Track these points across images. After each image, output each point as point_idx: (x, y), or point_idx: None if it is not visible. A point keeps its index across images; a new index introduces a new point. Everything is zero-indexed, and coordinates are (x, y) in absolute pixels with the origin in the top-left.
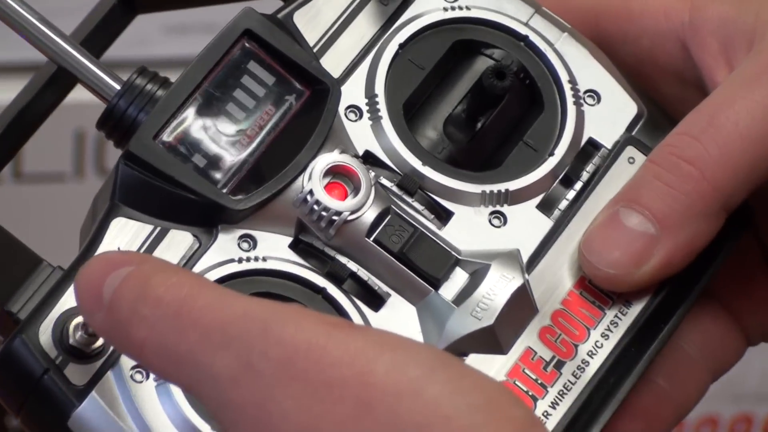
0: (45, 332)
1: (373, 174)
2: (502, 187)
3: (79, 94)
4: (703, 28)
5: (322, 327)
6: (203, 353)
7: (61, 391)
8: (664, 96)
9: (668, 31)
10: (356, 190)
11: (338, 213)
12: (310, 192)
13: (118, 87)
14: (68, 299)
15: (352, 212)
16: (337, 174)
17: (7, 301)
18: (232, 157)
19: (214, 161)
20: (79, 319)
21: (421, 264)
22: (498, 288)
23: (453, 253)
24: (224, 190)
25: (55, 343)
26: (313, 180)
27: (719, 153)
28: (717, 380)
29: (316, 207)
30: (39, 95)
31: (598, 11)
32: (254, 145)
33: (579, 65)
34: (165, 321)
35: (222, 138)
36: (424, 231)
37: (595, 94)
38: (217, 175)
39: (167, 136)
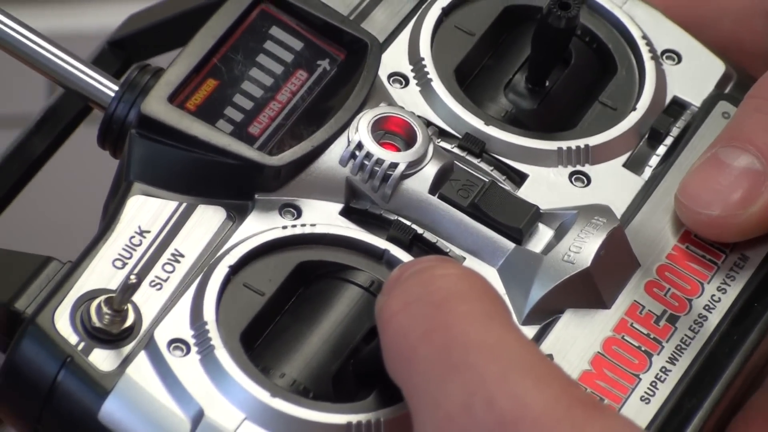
0: (61, 317)
1: (430, 132)
2: (581, 143)
3: None
4: None
5: (565, 399)
6: (435, 369)
7: (88, 377)
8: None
9: (753, 5)
10: (411, 145)
11: (394, 166)
12: (359, 145)
13: (114, 89)
14: (87, 282)
15: (410, 166)
16: (387, 132)
17: (12, 301)
18: (262, 123)
19: (242, 126)
20: (101, 298)
21: (498, 216)
22: (590, 230)
23: (533, 203)
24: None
25: (75, 328)
26: (360, 131)
27: None
28: None
29: (367, 162)
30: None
31: (669, 2)
32: (288, 109)
33: (652, 26)
34: (422, 306)
35: (248, 104)
36: (497, 181)
37: (674, 54)
38: (248, 139)
39: (184, 101)
